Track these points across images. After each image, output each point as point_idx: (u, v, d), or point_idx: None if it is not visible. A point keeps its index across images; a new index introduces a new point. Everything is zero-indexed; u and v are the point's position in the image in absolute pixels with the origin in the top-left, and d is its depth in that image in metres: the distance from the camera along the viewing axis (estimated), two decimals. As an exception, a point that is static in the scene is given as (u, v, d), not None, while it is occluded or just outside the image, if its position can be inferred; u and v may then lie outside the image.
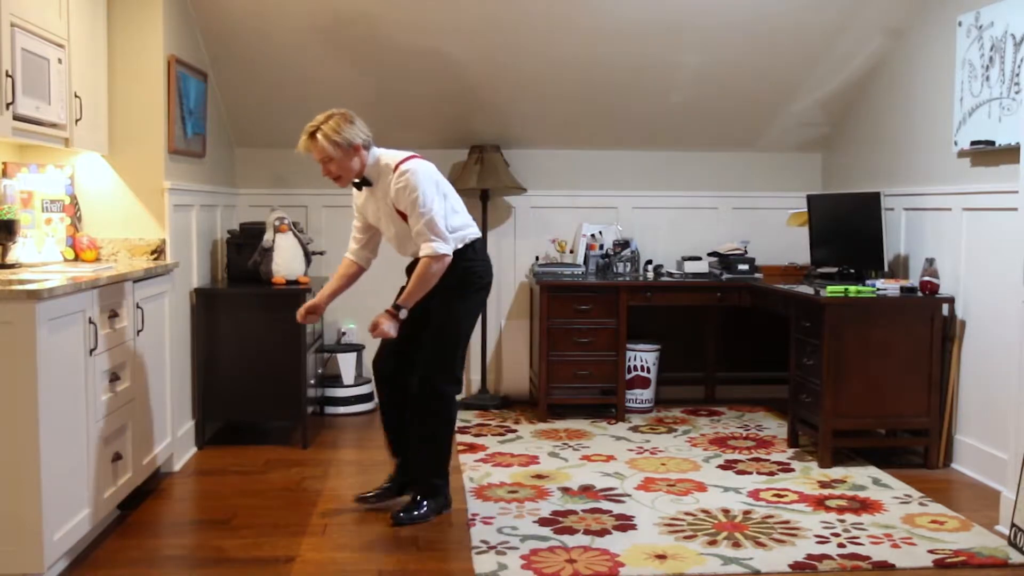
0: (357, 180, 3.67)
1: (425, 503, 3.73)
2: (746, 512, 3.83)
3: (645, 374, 5.63)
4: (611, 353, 5.39)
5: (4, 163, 3.95)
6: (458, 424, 5.36)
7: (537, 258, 5.89)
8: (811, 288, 4.79)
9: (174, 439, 4.39)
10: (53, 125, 3.66)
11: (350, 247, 3.90)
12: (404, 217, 3.61)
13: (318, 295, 3.81)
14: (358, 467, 4.48)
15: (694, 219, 6.09)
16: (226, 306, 4.74)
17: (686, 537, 3.54)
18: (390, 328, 3.56)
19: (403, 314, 3.59)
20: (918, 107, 4.93)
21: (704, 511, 3.84)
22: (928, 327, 4.45)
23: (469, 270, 3.70)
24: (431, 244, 3.55)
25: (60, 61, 3.69)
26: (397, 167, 3.60)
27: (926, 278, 4.51)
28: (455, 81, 5.37)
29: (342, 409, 5.59)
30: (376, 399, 4.05)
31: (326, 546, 3.48)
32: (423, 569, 3.28)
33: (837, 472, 4.39)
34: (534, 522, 3.70)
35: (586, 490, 4.12)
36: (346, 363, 5.66)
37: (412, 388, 3.71)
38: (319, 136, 3.54)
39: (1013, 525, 3.48)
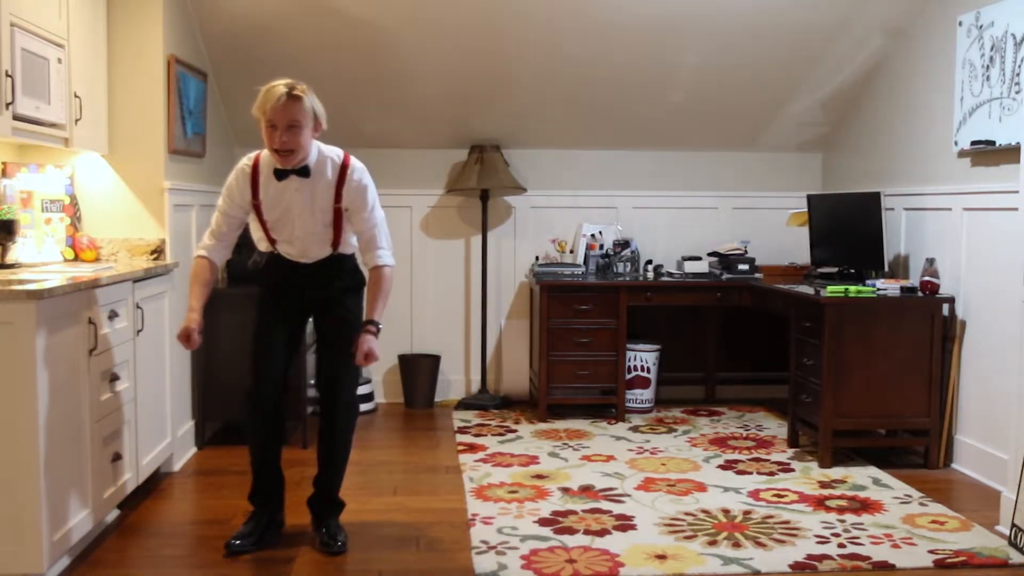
0: (287, 168, 3.27)
1: (339, 521, 3.53)
2: (746, 512, 3.82)
3: (645, 374, 5.63)
4: (611, 353, 5.39)
5: (4, 163, 3.95)
6: (458, 424, 5.37)
7: (537, 258, 5.89)
8: (811, 288, 4.78)
9: (174, 439, 4.39)
10: (53, 125, 3.66)
11: (207, 244, 3.40)
12: (338, 216, 3.35)
13: (194, 314, 3.28)
14: (358, 467, 4.47)
15: (694, 219, 6.09)
16: (226, 306, 4.73)
17: (686, 537, 3.54)
18: (377, 346, 3.32)
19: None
20: (918, 107, 4.93)
21: (704, 511, 3.84)
22: (928, 327, 4.45)
23: (358, 270, 3.55)
24: (386, 253, 3.39)
25: (60, 61, 3.69)
26: (347, 162, 3.34)
27: (926, 278, 4.51)
28: (455, 81, 5.37)
29: (342, 409, 5.58)
30: (262, 436, 3.47)
31: (326, 546, 3.49)
32: (423, 569, 3.28)
33: (837, 472, 4.39)
34: (534, 522, 3.70)
35: (586, 490, 4.12)
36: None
37: (332, 403, 3.44)
38: (303, 96, 3.19)
39: (1013, 525, 3.48)
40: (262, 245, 3.49)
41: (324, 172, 3.32)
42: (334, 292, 3.46)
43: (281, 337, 3.46)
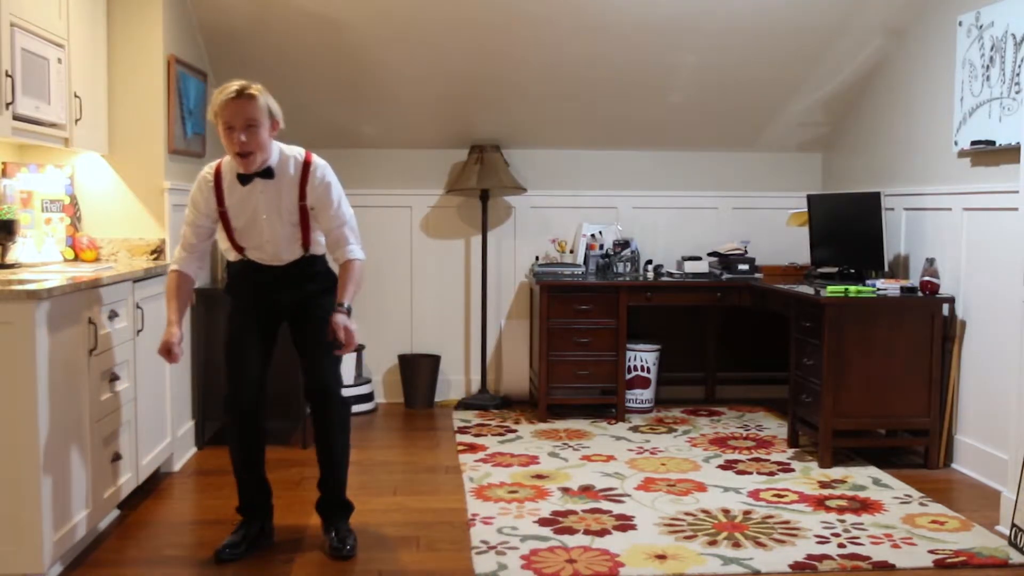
0: (250, 172, 3.24)
1: (348, 524, 3.52)
2: (746, 512, 3.82)
3: (645, 374, 5.63)
4: (611, 353, 5.39)
5: (4, 163, 3.95)
6: (458, 424, 5.37)
7: (537, 258, 5.89)
8: (811, 288, 4.78)
9: (174, 439, 4.39)
10: (53, 125, 3.66)
11: (179, 257, 3.38)
12: (304, 215, 3.32)
13: (173, 327, 3.25)
14: (358, 467, 4.47)
15: (694, 219, 6.09)
16: (226, 306, 4.71)
17: (686, 537, 3.54)
18: (352, 324, 3.23)
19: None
20: (918, 107, 4.93)
21: (704, 511, 3.84)
22: (928, 327, 4.45)
23: (331, 271, 3.52)
24: (356, 248, 3.35)
25: (60, 61, 3.69)
26: (308, 159, 3.33)
27: (926, 278, 4.51)
28: (455, 81, 5.37)
29: (342, 409, 5.58)
30: (243, 441, 3.44)
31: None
32: (423, 569, 3.28)
33: (837, 472, 4.39)
34: (534, 522, 3.70)
35: (586, 490, 4.12)
36: (345, 363, 5.64)
37: (324, 405, 3.41)
38: (258, 94, 3.18)
39: (1013, 525, 3.48)
40: (230, 255, 3.46)
41: (287, 171, 3.31)
42: (308, 295, 3.43)
43: (255, 342, 3.41)
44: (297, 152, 3.35)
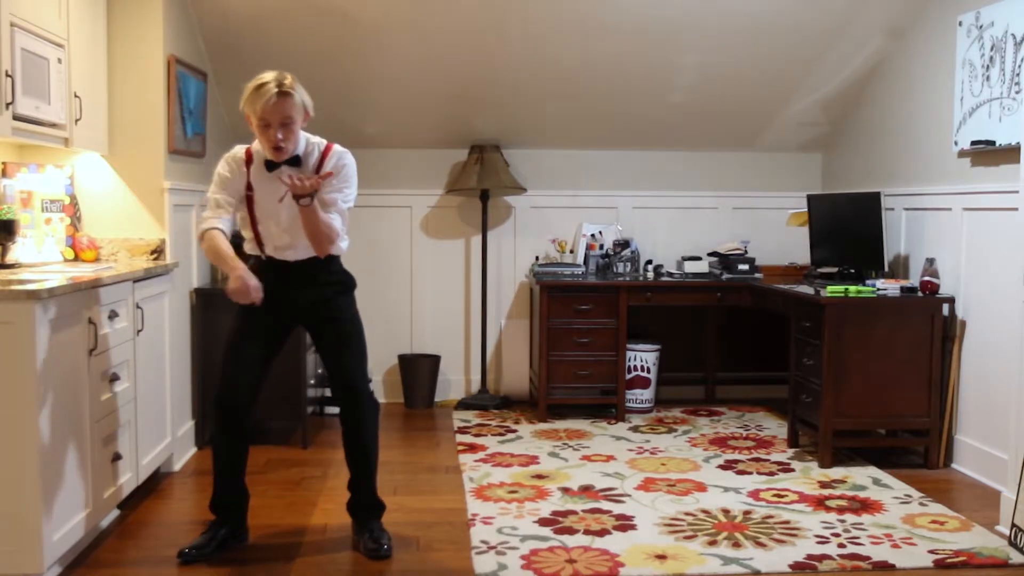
0: (281, 161, 3.26)
1: (381, 523, 3.50)
2: (746, 512, 3.82)
3: (645, 374, 5.63)
4: (611, 353, 5.39)
5: (4, 163, 3.95)
6: (458, 424, 5.37)
7: (537, 258, 5.89)
8: (811, 288, 4.79)
9: (174, 439, 4.38)
10: (53, 125, 3.66)
11: (213, 215, 3.28)
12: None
13: (240, 271, 3.18)
14: (358, 467, 4.47)
15: (694, 219, 6.09)
16: (226, 306, 4.68)
17: (686, 537, 3.54)
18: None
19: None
20: (918, 107, 4.93)
21: (704, 511, 3.84)
22: (928, 327, 4.45)
23: (347, 272, 3.50)
24: (339, 236, 3.31)
25: (60, 61, 3.69)
26: (330, 146, 3.35)
27: (926, 278, 4.51)
28: (455, 81, 5.37)
29: (342, 409, 5.57)
30: (226, 440, 3.40)
31: (326, 546, 3.48)
32: (423, 569, 3.28)
33: (837, 472, 4.39)
34: (534, 522, 3.70)
35: (586, 490, 4.12)
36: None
37: (354, 405, 3.41)
38: (293, 92, 3.15)
39: (1013, 525, 3.48)
40: (250, 246, 3.43)
41: (310, 159, 3.33)
42: (325, 297, 3.41)
43: (257, 346, 3.38)
44: (319, 141, 3.36)
